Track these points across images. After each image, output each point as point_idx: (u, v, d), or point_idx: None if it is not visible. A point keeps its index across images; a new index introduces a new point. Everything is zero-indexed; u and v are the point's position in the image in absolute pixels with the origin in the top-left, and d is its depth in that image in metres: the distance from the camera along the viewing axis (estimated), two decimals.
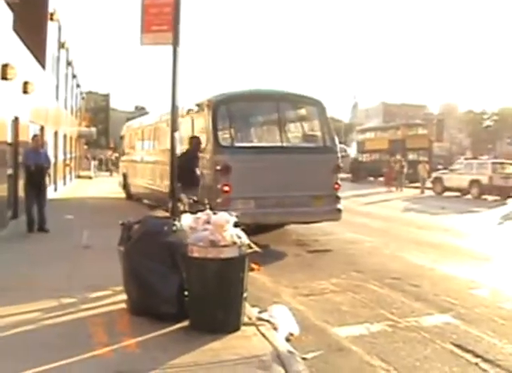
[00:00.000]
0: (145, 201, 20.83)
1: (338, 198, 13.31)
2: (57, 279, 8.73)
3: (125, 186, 25.42)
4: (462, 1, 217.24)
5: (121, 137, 28.69)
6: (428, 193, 32.97)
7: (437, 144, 69.66)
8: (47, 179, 13.87)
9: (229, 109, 13.28)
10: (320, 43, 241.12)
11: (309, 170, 12.73)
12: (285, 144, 13.55)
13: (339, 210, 13.25)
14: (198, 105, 13.99)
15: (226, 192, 12.01)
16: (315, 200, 12.84)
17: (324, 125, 14.06)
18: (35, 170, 13.25)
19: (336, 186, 13.35)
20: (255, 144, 14.72)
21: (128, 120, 33.58)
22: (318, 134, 14.16)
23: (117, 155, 40.65)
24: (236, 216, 10.87)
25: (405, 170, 36.44)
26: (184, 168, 9.65)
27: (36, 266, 9.64)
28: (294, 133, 14.96)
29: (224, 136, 13.10)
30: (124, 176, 25.58)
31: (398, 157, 38.26)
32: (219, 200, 11.70)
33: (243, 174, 12.00)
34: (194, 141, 11.84)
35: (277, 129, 13.98)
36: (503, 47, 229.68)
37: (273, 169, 12.36)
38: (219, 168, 12.14)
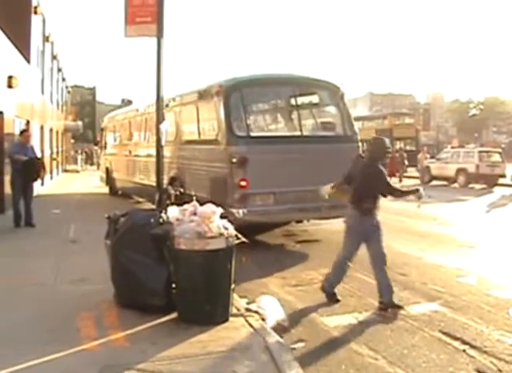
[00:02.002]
0: (135, 197, 19.98)
1: None
2: (44, 273, 8.71)
3: (108, 181, 24.13)
4: None
5: (102, 130, 27.38)
6: (414, 181, 32.94)
7: (424, 133, 70.03)
8: (35, 173, 13.67)
9: (242, 95, 12.03)
10: (307, 32, 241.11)
11: (329, 161, 11.54)
12: (304, 133, 12.53)
13: None
14: (203, 91, 12.75)
15: (243, 187, 10.98)
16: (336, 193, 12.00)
17: (343, 112, 12.93)
18: (23, 164, 13.15)
19: None
20: (272, 133, 13.56)
21: None
22: (337, 121, 13.05)
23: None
24: (252, 214, 10.60)
25: (406, 161, 35.62)
26: (377, 180, 7.66)
27: (22, 260, 9.61)
28: (312, 121, 13.77)
29: (238, 125, 11.84)
30: (108, 171, 24.21)
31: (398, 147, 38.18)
32: (235, 197, 10.98)
33: (260, 167, 11.09)
34: (380, 143, 8.00)
35: (295, 116, 12.95)
36: (489, 36, 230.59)
37: (292, 161, 11.45)
38: (234, 160, 11.01)
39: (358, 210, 7.51)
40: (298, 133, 12.43)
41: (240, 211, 10.70)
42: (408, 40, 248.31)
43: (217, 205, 10.42)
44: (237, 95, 11.91)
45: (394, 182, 31.97)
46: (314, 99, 13.69)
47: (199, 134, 13.09)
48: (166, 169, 13.90)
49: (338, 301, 7.67)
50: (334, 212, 11.66)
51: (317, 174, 11.10)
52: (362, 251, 11.32)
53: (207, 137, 12.53)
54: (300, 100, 13.20)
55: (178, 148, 14.08)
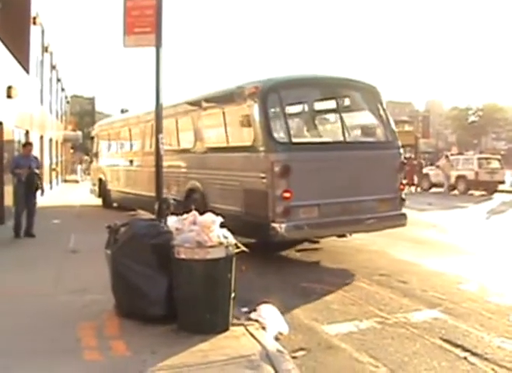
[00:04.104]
0: (135, 209, 18.84)
1: (403, 201, 11.63)
2: (44, 283, 8.70)
3: (102, 192, 22.61)
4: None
5: (92, 138, 25.72)
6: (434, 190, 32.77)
7: (423, 140, 69.95)
8: (39, 183, 13.65)
9: (281, 98, 10.88)
10: (305, 38, 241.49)
11: (374, 169, 11.05)
12: (347, 139, 11.59)
13: (405, 216, 11.58)
14: (232, 93, 11.56)
15: (287, 198, 9.97)
16: (382, 204, 11.14)
17: (383, 116, 12.07)
18: (27, 176, 13.15)
19: (402, 186, 11.76)
20: (314, 139, 12.35)
21: None
22: (379, 125, 12.17)
23: None
24: (296, 229, 10.10)
25: (424, 170, 34.73)
26: None
27: (23, 270, 9.60)
28: (354, 125, 12.78)
29: (278, 130, 10.88)
30: (101, 183, 22.62)
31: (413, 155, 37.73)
32: (277, 210, 10.00)
33: (304, 176, 10.16)
34: None
35: (337, 121, 11.98)
36: (487, 43, 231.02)
37: (337, 169, 10.63)
38: (277, 169, 9.99)
39: None
40: (341, 138, 11.48)
41: (283, 226, 9.93)
42: (407, 48, 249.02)
43: (254, 219, 10.51)
44: (275, 97, 10.83)
45: (411, 191, 31.88)
46: (355, 101, 12.61)
47: (227, 140, 11.92)
48: (181, 181, 13.41)
49: None
50: (382, 224, 11.30)
51: (361, 183, 10.81)
52: (360, 256, 11.38)
53: (238, 143, 11.42)
54: (341, 103, 12.29)
55: (198, 156, 13.02)
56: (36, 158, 14.57)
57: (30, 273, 9.39)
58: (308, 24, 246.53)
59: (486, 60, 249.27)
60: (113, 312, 6.99)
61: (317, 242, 12.48)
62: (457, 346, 6.26)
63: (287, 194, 9.96)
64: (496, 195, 29.98)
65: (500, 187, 30.87)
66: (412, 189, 33.22)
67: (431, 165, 38.36)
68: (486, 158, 33.03)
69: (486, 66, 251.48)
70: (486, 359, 5.87)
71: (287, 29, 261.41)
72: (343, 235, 12.10)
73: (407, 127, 51.79)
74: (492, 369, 5.62)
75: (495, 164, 31.73)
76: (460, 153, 40.26)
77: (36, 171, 13.56)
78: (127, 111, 25.12)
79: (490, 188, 30.55)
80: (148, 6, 8.70)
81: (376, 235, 12.09)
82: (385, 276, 9.68)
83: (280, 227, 9.93)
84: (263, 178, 10.24)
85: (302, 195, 10.11)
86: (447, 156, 32.90)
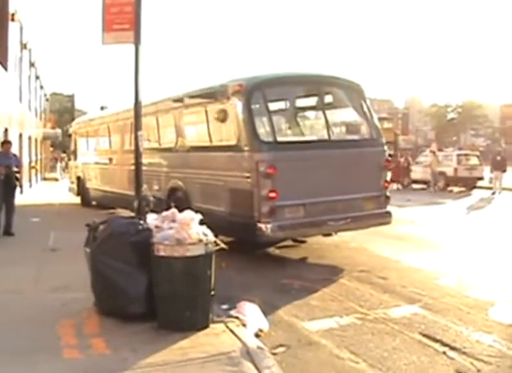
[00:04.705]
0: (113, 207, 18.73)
1: (388, 198, 11.63)
2: (23, 281, 8.64)
3: (80, 191, 22.37)
4: None
5: (70, 136, 25.34)
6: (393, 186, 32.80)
7: (403, 137, 70.48)
8: (18, 181, 13.56)
9: (265, 96, 10.76)
10: (287, 37, 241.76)
11: (359, 167, 11.04)
12: (333, 138, 11.48)
13: (389, 214, 11.59)
14: (215, 91, 11.40)
15: (272, 198, 9.87)
16: (367, 202, 11.17)
17: (367, 113, 11.97)
18: (6, 174, 13.03)
19: (386, 184, 11.80)
20: (299, 138, 12.35)
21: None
22: (364, 123, 12.10)
23: None
24: (281, 229, 10.03)
25: (412, 167, 33.75)
26: None
27: (1, 269, 9.51)
28: (338, 123, 12.80)
29: (262, 129, 10.76)
30: (79, 181, 22.41)
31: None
32: (263, 210, 9.91)
33: (289, 175, 10.08)
34: None
35: (321, 119, 11.77)
36: (466, 41, 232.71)
37: (322, 168, 10.52)
38: (262, 169, 9.90)
39: None
40: (326, 137, 11.42)
41: (269, 226, 9.85)
42: (386, 45, 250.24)
43: (239, 219, 10.43)
44: (259, 95, 10.70)
45: (396, 188, 31.50)
46: (339, 99, 12.42)
47: (210, 139, 11.70)
48: (163, 179, 13.31)
49: None
50: (367, 222, 11.32)
51: (347, 182, 10.80)
52: (339, 253, 11.43)
53: (222, 142, 11.31)
54: (326, 101, 12.11)
55: (180, 155, 12.88)
56: (15, 155, 14.45)
57: (9, 272, 9.31)
58: (289, 22, 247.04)
59: (466, 57, 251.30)
60: (93, 310, 6.96)
61: (303, 241, 12.48)
62: (436, 341, 6.32)
63: (272, 194, 9.89)
64: (474, 191, 30.20)
65: (479, 183, 31.08)
66: (399, 186, 32.89)
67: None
68: (465, 155, 33.23)
69: (466, 63, 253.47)
70: (465, 353, 5.93)
71: (266, 27, 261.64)
72: (329, 234, 12.11)
73: (386, 124, 51.91)
74: (471, 363, 5.68)
75: (474, 160, 31.95)
76: (439, 149, 40.48)
77: (16, 169, 13.45)
78: (106, 108, 24.84)
79: (469, 184, 30.76)
80: (127, 3, 8.64)
81: (355, 231, 12.13)
82: (365, 272, 9.73)
83: (266, 227, 9.86)
84: (248, 177, 10.15)
85: (287, 194, 10.04)
86: (434, 152, 32.63)
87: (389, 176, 13.75)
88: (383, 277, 9.40)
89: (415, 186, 32.99)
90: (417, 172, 32.88)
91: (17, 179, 13.50)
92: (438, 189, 30.62)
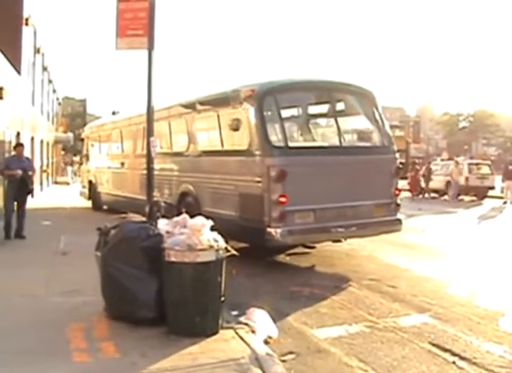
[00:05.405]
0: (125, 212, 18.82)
1: (398, 206, 11.64)
2: (34, 284, 8.66)
3: (92, 195, 22.50)
4: (438, 3, 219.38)
5: (82, 140, 25.48)
6: (405, 194, 32.55)
7: (414, 145, 70.36)
8: (31, 185, 13.61)
9: (277, 101, 10.81)
10: (297, 44, 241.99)
11: (370, 174, 11.04)
12: (344, 144, 11.50)
13: (400, 221, 11.59)
14: (228, 96, 11.40)
15: (283, 203, 9.89)
16: (377, 209, 11.13)
17: (379, 121, 11.99)
18: (20, 177, 13.10)
19: (397, 191, 11.71)
20: (311, 143, 12.41)
21: None
22: (375, 130, 12.13)
23: None
24: (291, 234, 10.02)
25: (433, 176, 32.62)
26: None
27: (13, 272, 9.56)
28: (350, 130, 12.87)
29: (275, 134, 10.81)
30: (91, 185, 22.48)
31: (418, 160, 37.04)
32: (273, 215, 9.92)
33: (300, 180, 10.09)
34: None
35: (333, 125, 11.83)
36: (479, 49, 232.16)
37: (333, 174, 10.54)
38: (273, 174, 9.92)
39: None
40: (337, 143, 11.42)
41: (279, 231, 9.85)
42: (398, 53, 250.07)
43: (249, 224, 10.45)
44: (272, 101, 10.73)
45: (419, 198, 31.24)
46: (351, 105, 12.42)
47: (222, 143, 11.72)
48: (174, 184, 13.38)
49: None
50: (377, 229, 11.27)
51: (357, 188, 10.79)
52: (350, 261, 11.41)
53: (234, 147, 11.27)
54: (337, 107, 12.14)
55: (191, 160, 12.87)
56: (28, 159, 14.53)
57: (20, 275, 9.36)
58: (301, 29, 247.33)
59: (478, 66, 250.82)
60: (103, 314, 6.97)
61: (313, 247, 12.46)
62: (445, 350, 6.29)
63: (283, 199, 9.89)
64: (486, 201, 30.11)
65: (490, 193, 30.99)
66: (420, 195, 32.19)
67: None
68: (477, 164, 33.18)
69: (478, 72, 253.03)
70: (475, 363, 5.90)
71: (280, 33, 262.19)
72: (338, 240, 12.01)
73: (398, 132, 52.09)
74: None
75: (485, 169, 31.87)
76: (450, 158, 40.39)
77: (30, 173, 13.52)
78: (118, 113, 24.92)
79: (480, 193, 30.69)
80: (141, 9, 8.68)
81: (365, 239, 12.12)
82: (375, 280, 9.70)
83: (276, 232, 9.86)
84: (259, 182, 10.16)
85: (298, 200, 10.03)
86: (457, 162, 32.26)
87: (403, 184, 13.60)
88: (392, 285, 9.37)
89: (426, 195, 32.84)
90: (435, 182, 32.55)
91: (31, 182, 13.56)
92: (454, 198, 30.31)
